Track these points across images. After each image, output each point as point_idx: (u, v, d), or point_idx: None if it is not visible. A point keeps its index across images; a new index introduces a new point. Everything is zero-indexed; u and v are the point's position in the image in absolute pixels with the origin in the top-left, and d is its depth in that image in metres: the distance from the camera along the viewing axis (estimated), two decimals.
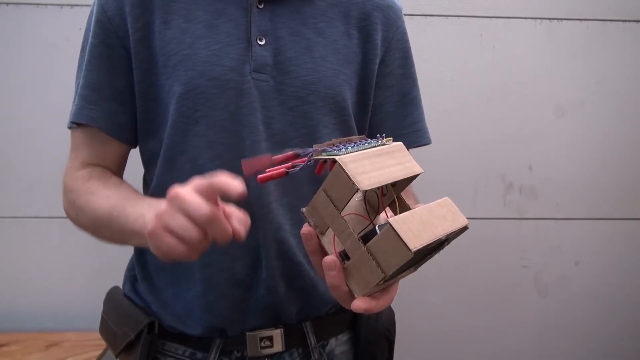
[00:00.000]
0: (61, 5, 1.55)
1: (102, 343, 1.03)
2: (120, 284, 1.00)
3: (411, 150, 0.76)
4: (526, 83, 1.68)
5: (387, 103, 0.96)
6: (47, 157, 1.51)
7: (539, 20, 1.66)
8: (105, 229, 0.82)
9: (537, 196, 1.72)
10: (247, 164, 0.62)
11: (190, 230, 0.61)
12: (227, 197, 0.61)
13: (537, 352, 1.77)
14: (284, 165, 0.62)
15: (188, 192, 0.62)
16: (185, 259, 0.64)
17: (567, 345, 1.77)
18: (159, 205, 0.67)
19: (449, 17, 1.65)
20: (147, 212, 0.72)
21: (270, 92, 0.85)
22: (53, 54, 1.55)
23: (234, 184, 0.61)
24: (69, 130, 0.92)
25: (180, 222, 0.61)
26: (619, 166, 1.72)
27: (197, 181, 0.62)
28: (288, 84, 0.85)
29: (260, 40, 0.85)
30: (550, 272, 1.75)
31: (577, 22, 1.67)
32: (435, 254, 0.63)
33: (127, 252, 1.00)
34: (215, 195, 0.62)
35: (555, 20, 1.67)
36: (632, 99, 1.70)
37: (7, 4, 1.54)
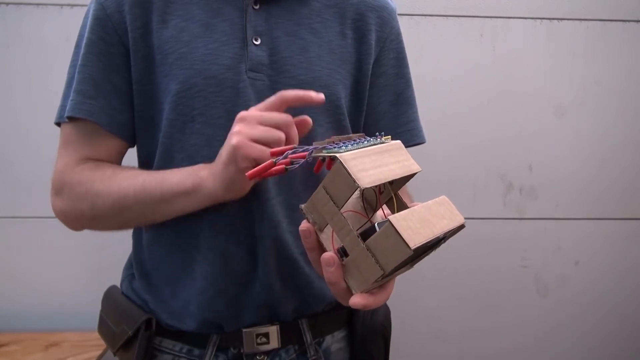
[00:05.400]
0: (61, 5, 1.56)
1: (102, 343, 1.03)
2: (119, 284, 1.00)
3: (408, 149, 0.77)
4: (526, 83, 1.68)
5: (381, 102, 0.96)
6: (46, 157, 1.51)
7: (539, 20, 1.66)
8: (136, 205, 0.84)
9: (537, 196, 1.72)
10: (249, 173, 0.66)
11: (274, 132, 0.73)
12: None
13: (537, 352, 1.77)
14: (282, 162, 0.63)
15: (256, 110, 0.75)
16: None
17: (567, 345, 1.77)
18: (203, 164, 0.81)
19: (449, 17, 1.65)
20: (197, 170, 0.81)
21: (266, 91, 0.85)
22: (53, 54, 1.55)
23: (311, 94, 0.76)
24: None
25: (263, 129, 0.72)
26: (619, 166, 1.72)
27: (260, 104, 0.76)
28: (283, 83, 0.86)
29: (256, 40, 0.85)
30: (550, 272, 1.75)
31: (577, 22, 1.67)
32: (432, 251, 0.64)
33: (126, 252, 1.00)
34: (283, 108, 0.75)
35: (555, 20, 1.67)
36: (632, 99, 1.70)
37: (7, 4, 1.54)
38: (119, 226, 0.91)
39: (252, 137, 0.72)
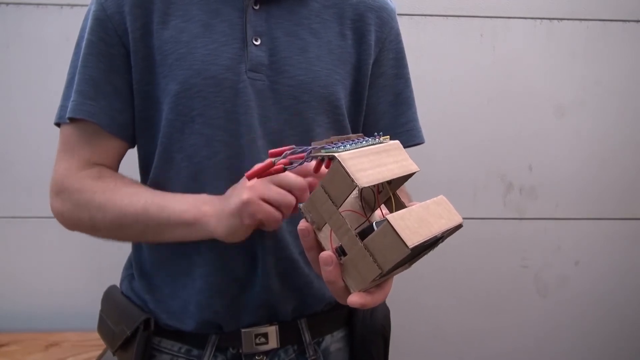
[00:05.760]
0: (61, 5, 1.56)
1: (102, 343, 1.03)
2: (119, 284, 1.00)
3: (407, 149, 0.77)
4: (526, 83, 1.68)
5: (380, 103, 0.96)
6: (46, 157, 1.51)
7: (539, 20, 1.66)
8: (135, 225, 0.84)
9: (537, 196, 1.72)
10: (249, 173, 0.67)
11: (286, 197, 0.73)
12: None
13: (537, 352, 1.77)
14: (281, 162, 0.63)
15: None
16: (275, 225, 0.75)
17: (567, 345, 1.77)
18: (207, 197, 0.81)
19: (449, 17, 1.65)
20: (200, 203, 0.80)
21: (266, 91, 0.85)
22: (53, 54, 1.56)
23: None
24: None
25: (276, 191, 0.73)
26: (619, 166, 1.72)
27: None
28: (283, 84, 0.86)
29: (256, 40, 0.85)
30: (550, 272, 1.75)
31: (577, 22, 1.67)
32: (430, 250, 0.64)
33: (126, 252, 1.00)
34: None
35: (555, 20, 1.67)
36: (632, 99, 1.70)
37: (7, 4, 1.55)
38: (118, 239, 0.91)
39: (264, 197, 0.73)
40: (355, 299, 0.58)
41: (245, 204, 0.73)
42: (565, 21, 1.67)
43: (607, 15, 1.67)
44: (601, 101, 1.70)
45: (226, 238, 0.79)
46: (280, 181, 0.73)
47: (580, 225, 1.73)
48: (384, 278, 0.61)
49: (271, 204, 0.73)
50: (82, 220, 0.87)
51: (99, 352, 1.46)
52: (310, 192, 0.72)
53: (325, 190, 0.59)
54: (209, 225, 0.79)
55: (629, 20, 1.67)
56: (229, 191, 0.79)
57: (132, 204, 0.83)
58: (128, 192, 0.85)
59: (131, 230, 0.85)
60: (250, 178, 0.66)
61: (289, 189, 0.73)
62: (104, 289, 1.01)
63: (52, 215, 0.90)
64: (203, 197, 0.82)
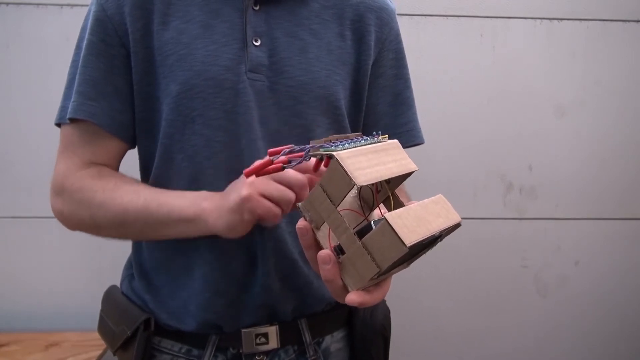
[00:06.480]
0: (61, 5, 1.56)
1: (102, 343, 1.03)
2: (119, 284, 1.01)
3: (407, 149, 0.78)
4: (526, 83, 1.68)
5: (380, 103, 0.96)
6: (46, 157, 1.51)
7: (539, 20, 1.66)
8: (136, 223, 0.84)
9: (537, 196, 1.72)
10: (247, 170, 0.66)
11: (286, 193, 0.73)
12: None
13: (537, 352, 1.77)
14: (279, 160, 0.63)
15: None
16: (275, 220, 0.75)
17: (567, 345, 1.77)
18: (207, 193, 0.81)
19: (449, 17, 1.65)
20: (200, 200, 0.80)
21: (265, 91, 0.85)
22: (53, 54, 1.56)
23: None
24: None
25: (276, 187, 0.73)
26: (619, 166, 1.72)
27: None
28: (282, 84, 0.86)
29: (256, 41, 0.85)
30: (550, 272, 1.75)
31: (577, 22, 1.67)
32: (428, 250, 0.64)
33: (126, 252, 1.00)
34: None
35: (555, 20, 1.67)
36: (632, 99, 1.70)
37: (7, 4, 1.55)
38: (120, 237, 0.91)
39: (263, 193, 0.73)
40: (353, 298, 0.58)
41: (245, 199, 0.74)
42: (565, 21, 1.67)
43: (607, 15, 1.67)
44: (601, 101, 1.70)
45: (226, 233, 0.79)
46: (280, 178, 0.73)
47: (580, 225, 1.73)
48: (382, 277, 0.61)
49: (271, 200, 0.73)
50: (83, 219, 0.87)
51: (99, 352, 1.46)
52: (310, 189, 0.72)
53: (323, 189, 0.59)
54: (209, 221, 0.79)
55: (629, 20, 1.67)
56: (229, 187, 0.79)
57: (133, 201, 0.83)
58: (128, 190, 0.85)
59: (132, 227, 0.85)
60: (248, 175, 0.66)
61: (288, 185, 0.73)
62: (104, 289, 1.01)
63: (52, 215, 0.90)
64: (203, 194, 0.82)
